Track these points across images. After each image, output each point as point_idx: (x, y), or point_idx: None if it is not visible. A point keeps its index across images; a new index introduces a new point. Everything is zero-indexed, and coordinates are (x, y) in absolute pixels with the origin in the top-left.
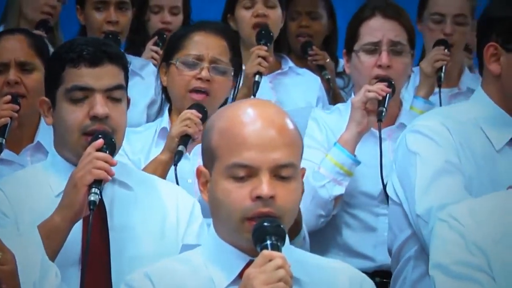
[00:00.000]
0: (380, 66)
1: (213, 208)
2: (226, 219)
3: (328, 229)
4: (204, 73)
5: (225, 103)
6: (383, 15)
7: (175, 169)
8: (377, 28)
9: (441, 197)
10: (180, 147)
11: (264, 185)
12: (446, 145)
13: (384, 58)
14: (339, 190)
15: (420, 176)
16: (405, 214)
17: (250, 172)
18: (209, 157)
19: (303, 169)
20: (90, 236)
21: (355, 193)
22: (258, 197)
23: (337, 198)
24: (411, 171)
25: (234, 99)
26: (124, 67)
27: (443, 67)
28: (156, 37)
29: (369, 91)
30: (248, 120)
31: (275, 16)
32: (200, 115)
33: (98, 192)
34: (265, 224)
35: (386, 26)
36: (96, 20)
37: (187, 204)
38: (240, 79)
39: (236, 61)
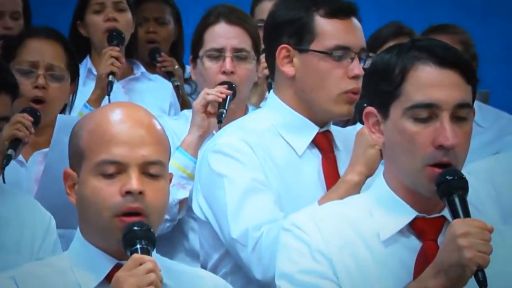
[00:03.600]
0: (224, 72)
1: (82, 209)
2: (96, 218)
3: (175, 234)
4: (41, 81)
5: (64, 109)
6: (227, 21)
7: (3, 173)
8: (221, 35)
9: (254, 217)
10: (9, 151)
11: (133, 180)
12: (249, 162)
13: (227, 64)
14: (183, 193)
15: (230, 198)
16: (215, 233)
17: (119, 169)
18: (77, 158)
19: (171, 174)
20: None
21: None
22: (128, 193)
23: (182, 202)
24: (219, 193)
25: (73, 104)
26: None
27: None
28: None
29: (208, 94)
30: (117, 119)
31: (126, 20)
32: (32, 119)
33: None
34: (135, 228)
35: (230, 32)
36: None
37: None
38: (77, 83)
39: (73, 65)
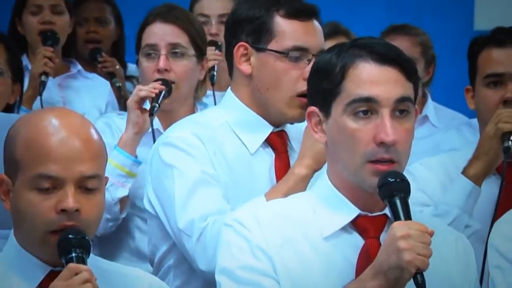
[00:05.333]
0: (159, 71)
1: (16, 219)
2: (30, 231)
3: (121, 234)
4: None
5: (10, 109)
6: (163, 20)
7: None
8: (156, 33)
9: (201, 208)
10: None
11: (70, 199)
12: (200, 156)
13: (161, 62)
14: (123, 192)
15: (178, 189)
16: (163, 226)
17: (55, 184)
18: (12, 166)
19: (106, 178)
20: None
21: None
22: (63, 210)
23: (123, 200)
24: (168, 185)
25: (20, 102)
26: None
27: (215, 66)
28: None
29: (141, 90)
30: (52, 130)
31: (62, 23)
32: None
33: None
34: (70, 236)
35: (165, 30)
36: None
37: None
38: (23, 86)
39: (14, 63)
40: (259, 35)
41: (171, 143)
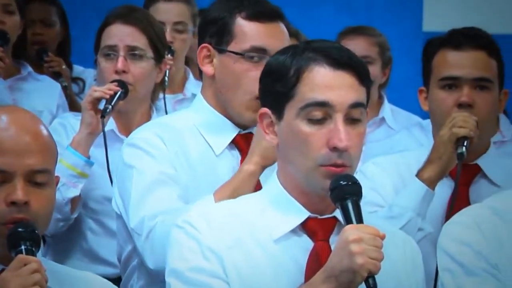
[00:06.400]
0: (117, 72)
1: None
2: None
3: (73, 235)
4: None
5: None
6: (123, 21)
7: None
8: (115, 34)
9: (152, 207)
10: None
11: (19, 191)
12: (160, 156)
13: (119, 63)
14: (74, 192)
15: (135, 189)
16: (127, 226)
17: (4, 178)
18: None
19: (58, 177)
20: None
21: (100, 198)
22: (13, 203)
23: (74, 201)
24: (128, 184)
25: None
26: None
27: (167, 72)
28: None
29: (95, 90)
30: (2, 126)
31: (13, 22)
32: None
33: None
34: (20, 229)
35: (124, 31)
36: None
37: None
38: None
39: None
40: (221, 37)
41: (134, 144)
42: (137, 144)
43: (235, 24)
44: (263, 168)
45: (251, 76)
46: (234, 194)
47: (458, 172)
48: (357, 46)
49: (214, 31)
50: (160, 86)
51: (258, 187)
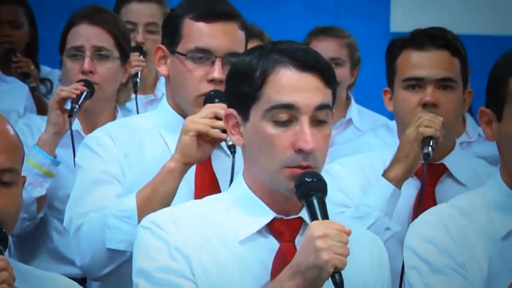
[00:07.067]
0: (83, 72)
1: None
2: None
3: (39, 235)
4: None
5: None
6: (89, 21)
7: None
8: (81, 34)
9: (86, 205)
10: None
11: None
12: (107, 156)
13: (86, 64)
14: (40, 191)
15: (75, 188)
16: None
17: None
18: None
19: (24, 177)
20: None
21: (65, 198)
22: None
23: (40, 200)
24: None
25: None
26: None
27: (139, 73)
28: None
29: (62, 90)
30: None
31: None
32: None
33: None
34: None
35: (90, 32)
36: None
37: None
38: None
39: None
40: (173, 38)
41: (85, 143)
42: (87, 144)
43: (183, 25)
44: (185, 165)
45: (195, 76)
46: (154, 193)
47: (425, 172)
48: (327, 47)
49: (168, 32)
50: (126, 86)
51: None
